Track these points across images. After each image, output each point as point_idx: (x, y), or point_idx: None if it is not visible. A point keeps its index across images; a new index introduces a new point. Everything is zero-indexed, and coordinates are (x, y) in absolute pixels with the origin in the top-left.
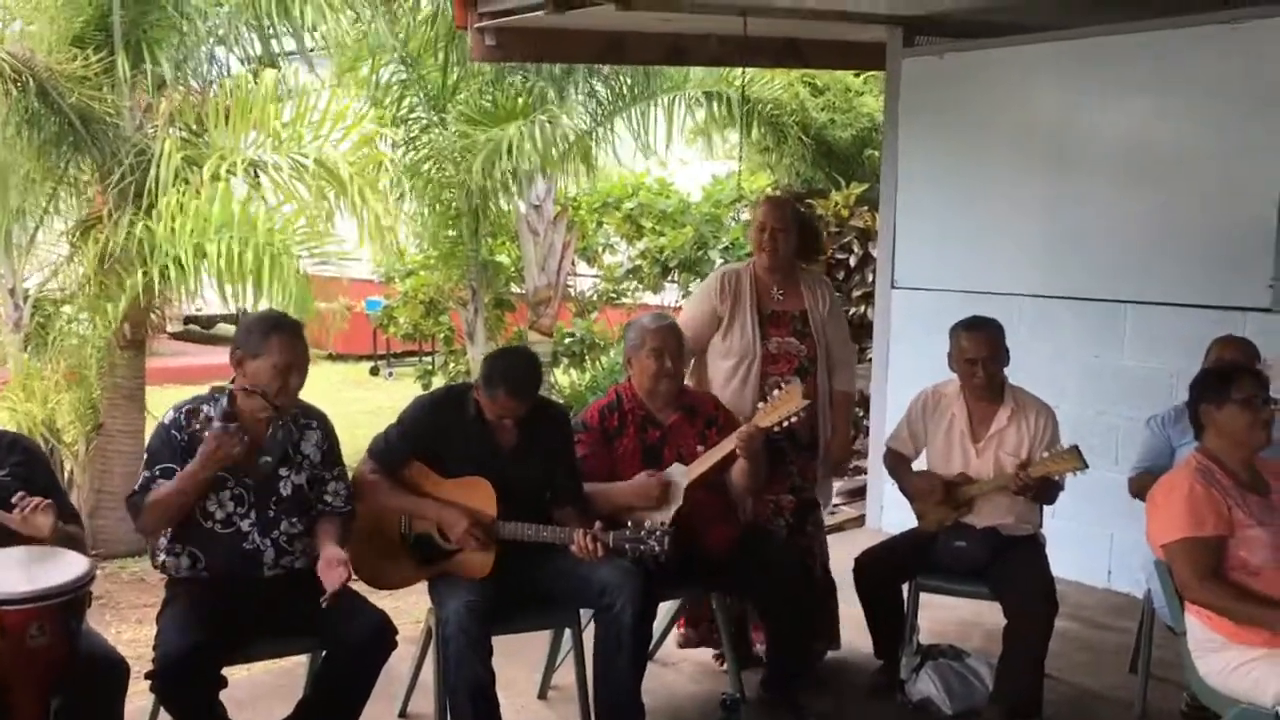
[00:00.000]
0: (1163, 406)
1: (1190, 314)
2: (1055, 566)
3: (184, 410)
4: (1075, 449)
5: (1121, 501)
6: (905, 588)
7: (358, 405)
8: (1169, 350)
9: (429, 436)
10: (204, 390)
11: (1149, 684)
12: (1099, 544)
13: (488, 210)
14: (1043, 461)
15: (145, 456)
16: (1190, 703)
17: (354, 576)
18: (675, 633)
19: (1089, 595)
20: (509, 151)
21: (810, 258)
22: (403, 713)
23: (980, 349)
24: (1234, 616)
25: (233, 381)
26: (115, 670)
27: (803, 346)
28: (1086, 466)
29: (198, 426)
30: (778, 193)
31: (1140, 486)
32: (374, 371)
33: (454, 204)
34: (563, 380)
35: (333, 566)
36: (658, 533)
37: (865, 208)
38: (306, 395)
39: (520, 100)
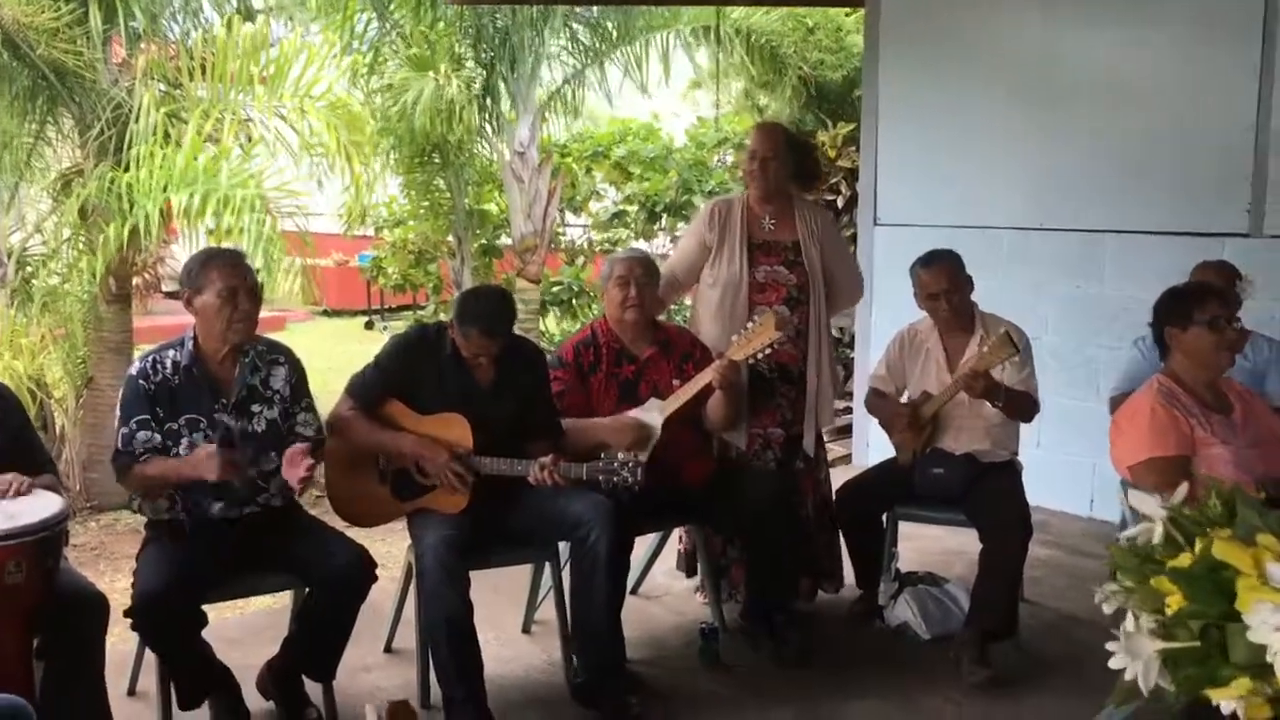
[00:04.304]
0: (1144, 332)
1: (1169, 241)
2: (1039, 497)
3: (150, 359)
4: (1006, 335)
5: (1103, 431)
6: (884, 517)
7: (353, 359)
8: (1149, 279)
9: (405, 374)
10: None
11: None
12: (1082, 473)
13: (470, 157)
14: (980, 356)
15: (118, 411)
16: None
17: (330, 504)
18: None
19: (1072, 524)
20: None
21: (808, 184)
22: (388, 648)
23: (940, 282)
24: None
25: (194, 328)
26: (94, 606)
27: (792, 276)
28: (1017, 350)
29: (166, 373)
30: (769, 120)
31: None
32: (369, 325)
33: (431, 151)
34: (553, 328)
35: (295, 458)
36: (630, 463)
37: (853, 148)
38: (302, 350)
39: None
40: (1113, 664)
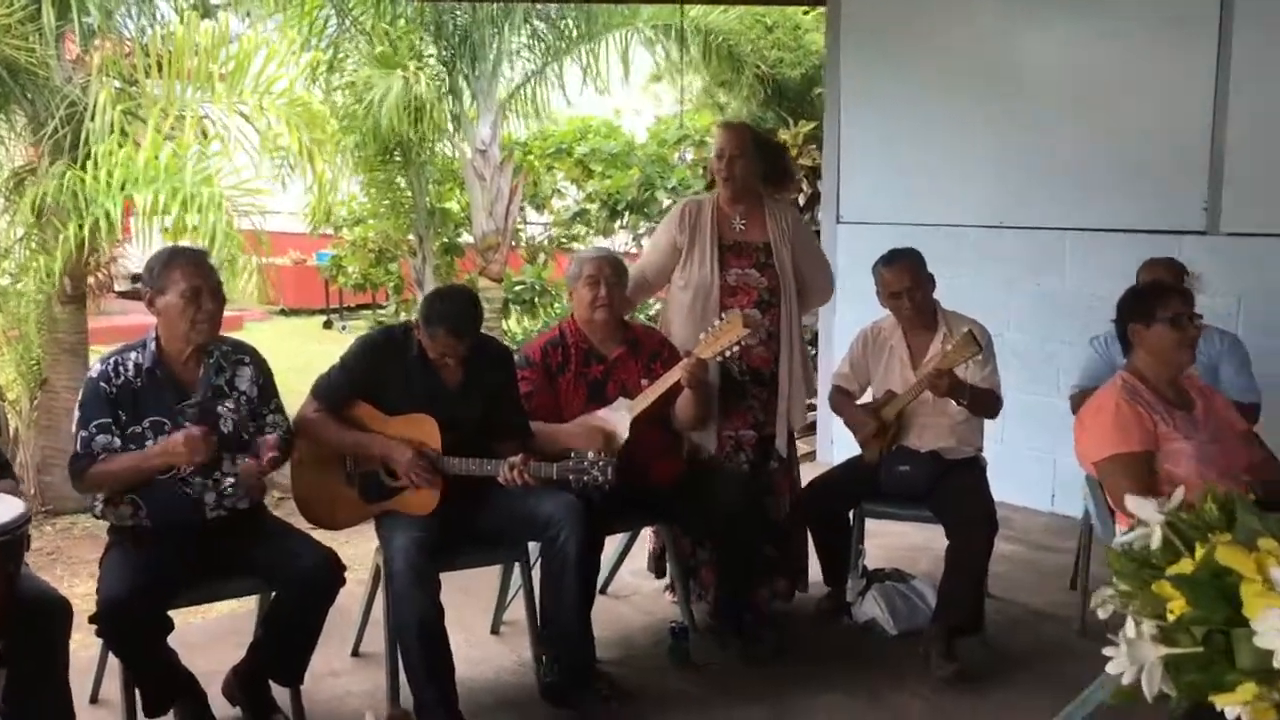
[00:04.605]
0: (1103, 330)
1: (1129, 239)
2: (1000, 492)
3: (111, 361)
4: (969, 334)
5: (1064, 427)
6: (851, 514)
7: (312, 359)
8: (1108, 275)
9: (371, 375)
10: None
11: (1089, 600)
12: (1043, 469)
13: (432, 155)
14: (944, 355)
15: (77, 413)
16: None
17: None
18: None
19: (1033, 519)
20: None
21: (780, 186)
22: (355, 652)
23: (902, 280)
24: None
25: (156, 328)
26: (57, 611)
27: (763, 278)
28: (980, 349)
29: (127, 375)
30: (736, 119)
31: (1080, 403)
32: (327, 325)
33: (393, 149)
34: (515, 328)
35: (264, 448)
36: (601, 462)
37: (814, 146)
38: (260, 350)
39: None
40: (1110, 668)
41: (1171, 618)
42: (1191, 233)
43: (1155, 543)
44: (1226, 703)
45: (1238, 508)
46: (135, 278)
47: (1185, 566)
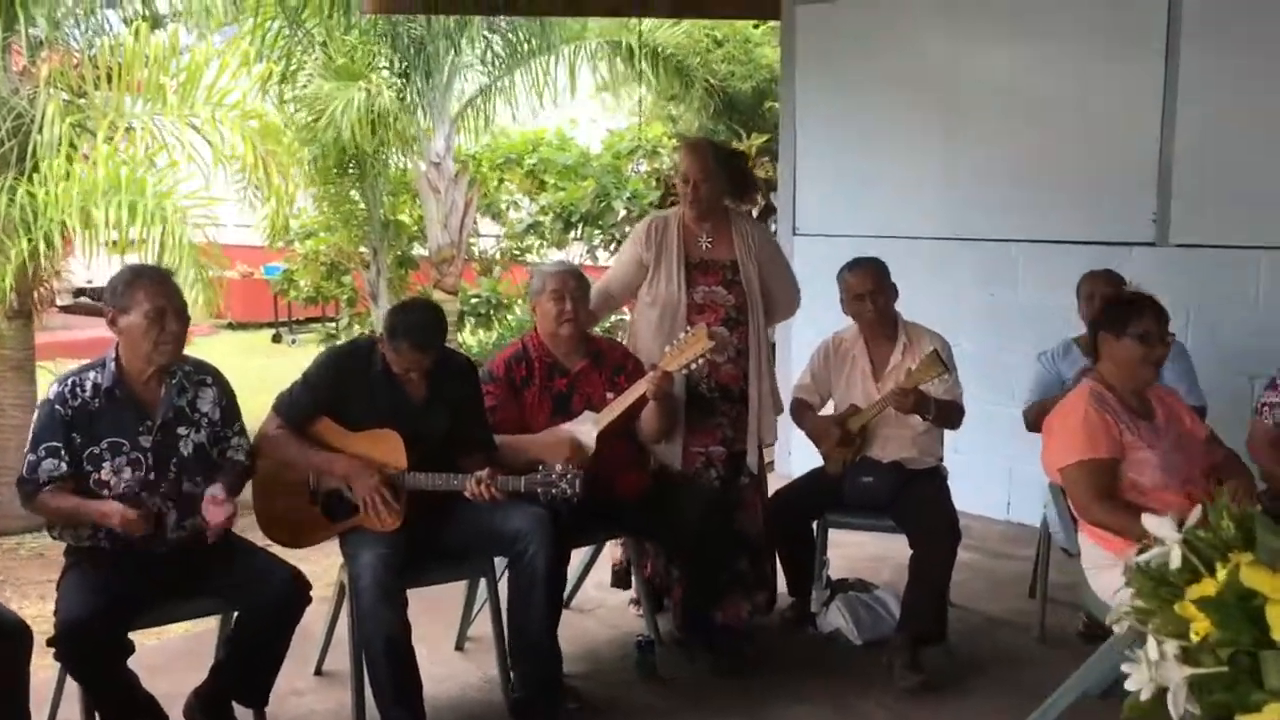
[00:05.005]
0: (1055, 341)
1: (1079, 250)
2: (957, 500)
3: (69, 382)
4: (934, 353)
5: (1020, 436)
6: (815, 525)
7: (263, 374)
8: (1060, 287)
9: (335, 391)
10: None
11: (1047, 607)
12: (999, 477)
13: (385, 167)
14: (909, 375)
15: (30, 435)
16: (1086, 623)
17: (260, 534)
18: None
19: (990, 527)
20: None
21: (745, 198)
22: (318, 671)
23: (866, 283)
24: (1131, 535)
25: (117, 347)
26: (18, 634)
27: (730, 296)
28: (946, 370)
29: (85, 396)
30: (696, 137)
31: (1035, 417)
32: (276, 339)
33: (348, 162)
34: (470, 340)
35: (216, 503)
36: (569, 475)
37: (766, 158)
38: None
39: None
40: (1129, 684)
41: (1195, 638)
42: (1141, 244)
43: (1175, 562)
44: None
45: (1257, 526)
46: (79, 292)
47: (1208, 587)
